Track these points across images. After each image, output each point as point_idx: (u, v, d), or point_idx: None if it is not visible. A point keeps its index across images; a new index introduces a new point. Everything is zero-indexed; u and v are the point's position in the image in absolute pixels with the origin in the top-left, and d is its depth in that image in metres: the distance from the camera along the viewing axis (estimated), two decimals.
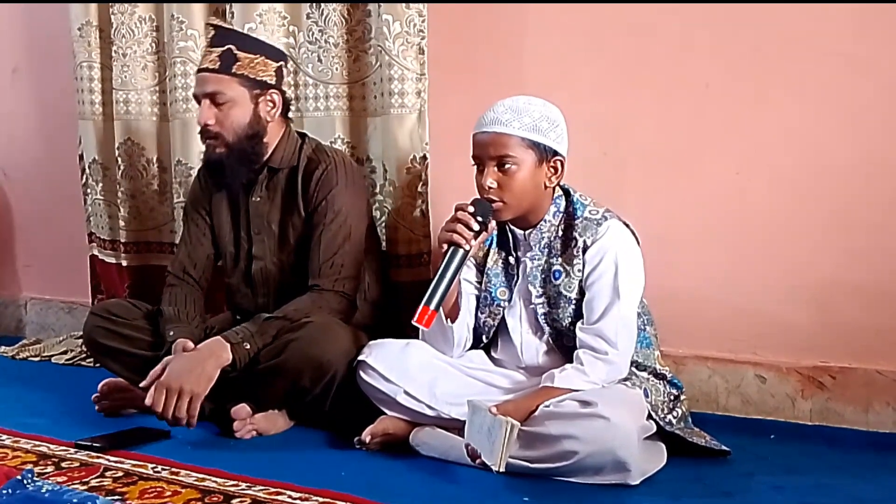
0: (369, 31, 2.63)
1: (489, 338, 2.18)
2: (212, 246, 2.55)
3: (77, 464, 2.00)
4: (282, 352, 2.18)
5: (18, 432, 2.24)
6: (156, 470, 1.94)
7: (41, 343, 3.43)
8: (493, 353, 2.21)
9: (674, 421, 2.04)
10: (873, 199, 2.22)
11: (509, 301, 2.13)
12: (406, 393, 2.07)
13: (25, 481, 1.64)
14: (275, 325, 2.24)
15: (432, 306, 1.89)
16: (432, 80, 2.58)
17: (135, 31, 3.04)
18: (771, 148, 2.31)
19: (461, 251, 1.94)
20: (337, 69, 2.71)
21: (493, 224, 2.02)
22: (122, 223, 3.15)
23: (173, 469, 1.94)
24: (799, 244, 2.29)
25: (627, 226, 2.07)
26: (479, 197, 2.00)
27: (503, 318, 2.15)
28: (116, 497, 1.77)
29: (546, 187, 2.04)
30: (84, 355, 3.15)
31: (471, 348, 2.20)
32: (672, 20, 2.38)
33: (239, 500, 1.75)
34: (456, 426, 2.01)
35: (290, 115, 2.50)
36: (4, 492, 1.61)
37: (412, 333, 2.15)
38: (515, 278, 2.13)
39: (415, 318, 1.89)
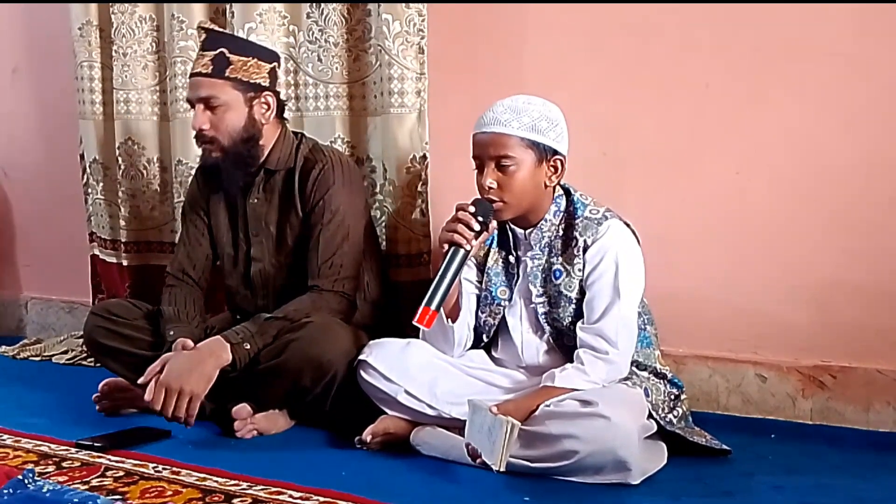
0: (369, 30, 2.63)
1: (490, 337, 2.19)
2: (210, 247, 2.55)
3: (78, 463, 2.00)
4: (282, 352, 2.18)
5: (19, 432, 2.24)
6: (157, 469, 1.94)
7: (42, 343, 3.43)
8: (493, 353, 2.21)
9: (674, 420, 2.04)
10: (873, 199, 2.22)
11: (510, 300, 2.14)
12: (406, 392, 2.07)
13: (26, 481, 1.65)
14: (275, 326, 2.24)
15: (433, 306, 1.89)
16: (432, 79, 2.58)
17: (135, 31, 3.04)
18: (771, 148, 2.31)
19: (462, 251, 1.94)
20: (337, 69, 2.70)
21: (493, 224, 2.03)
22: (122, 223, 3.15)
23: (174, 469, 1.94)
24: (799, 244, 2.29)
25: (628, 225, 2.07)
26: (479, 197, 2.00)
27: (504, 317, 2.15)
28: (117, 497, 1.77)
29: (546, 187, 2.04)
30: (84, 355, 3.15)
31: (471, 348, 2.20)
32: (672, 20, 2.38)
33: (240, 499, 1.75)
34: (456, 426, 2.01)
35: (290, 114, 2.50)
36: (6, 491, 1.61)
37: (412, 333, 2.15)
38: (516, 278, 2.13)
39: (415, 319, 1.89)
